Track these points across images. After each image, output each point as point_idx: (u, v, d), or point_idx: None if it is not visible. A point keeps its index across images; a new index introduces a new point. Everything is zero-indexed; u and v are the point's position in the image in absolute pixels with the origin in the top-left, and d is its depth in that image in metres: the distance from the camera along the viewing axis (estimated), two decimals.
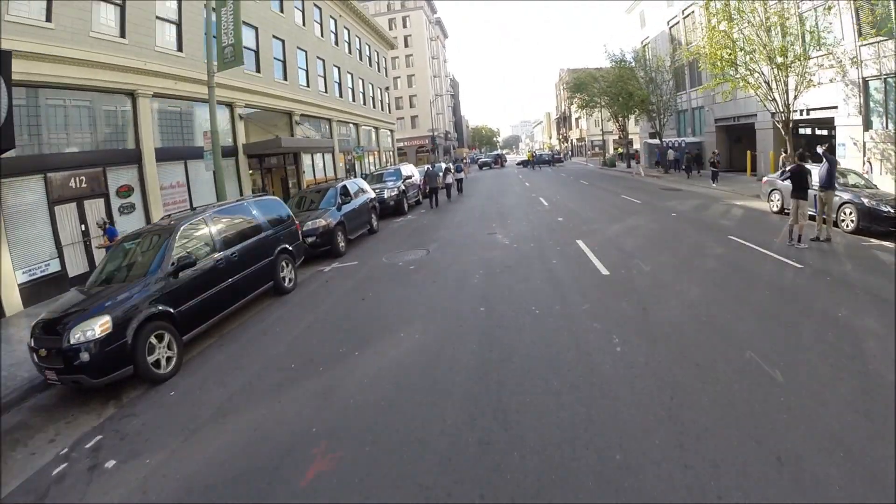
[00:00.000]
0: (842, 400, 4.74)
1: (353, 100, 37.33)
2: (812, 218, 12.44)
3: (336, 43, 34.85)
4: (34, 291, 12.32)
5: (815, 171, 12.23)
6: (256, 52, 24.59)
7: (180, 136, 19.04)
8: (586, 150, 77.53)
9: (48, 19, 12.88)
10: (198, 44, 18.86)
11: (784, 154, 21.90)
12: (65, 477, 4.96)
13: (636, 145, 60.45)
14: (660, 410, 4.81)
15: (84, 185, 13.94)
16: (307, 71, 30.11)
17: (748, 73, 20.45)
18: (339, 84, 35.08)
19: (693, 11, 34.04)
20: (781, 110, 20.28)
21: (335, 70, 34.47)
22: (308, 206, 15.81)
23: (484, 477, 4.09)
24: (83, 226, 13.75)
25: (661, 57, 34.15)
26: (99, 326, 6.50)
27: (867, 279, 8.47)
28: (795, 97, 19.84)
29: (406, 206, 23.44)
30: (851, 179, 14.03)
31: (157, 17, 17.28)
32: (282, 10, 27.15)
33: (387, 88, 45.61)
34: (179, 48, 18.57)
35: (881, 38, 17.67)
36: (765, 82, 20.21)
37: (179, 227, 8.38)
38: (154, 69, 16.56)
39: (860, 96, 19.62)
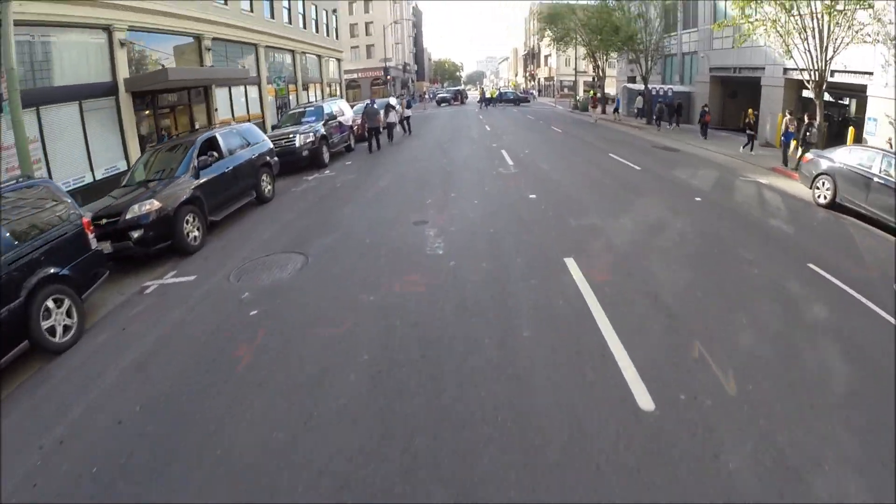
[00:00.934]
0: None
1: (290, 22, 31.17)
2: None
3: None
4: None
5: None
6: None
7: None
8: (555, 90, 72.32)
9: None
10: None
11: (789, 116, 18.09)
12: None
13: (610, 89, 55.90)
14: None
15: None
16: None
17: (783, 10, 15.98)
18: (271, 2, 28.86)
19: None
20: (814, 66, 16.09)
21: None
22: (158, 172, 10.51)
23: None
24: None
25: None
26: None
27: None
28: (836, 51, 15.61)
29: (327, 155, 18.36)
30: None
31: None
32: None
33: (334, 11, 39.10)
34: None
35: None
36: (799, 29, 15.85)
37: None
38: None
39: None
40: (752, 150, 19.95)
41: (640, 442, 4.05)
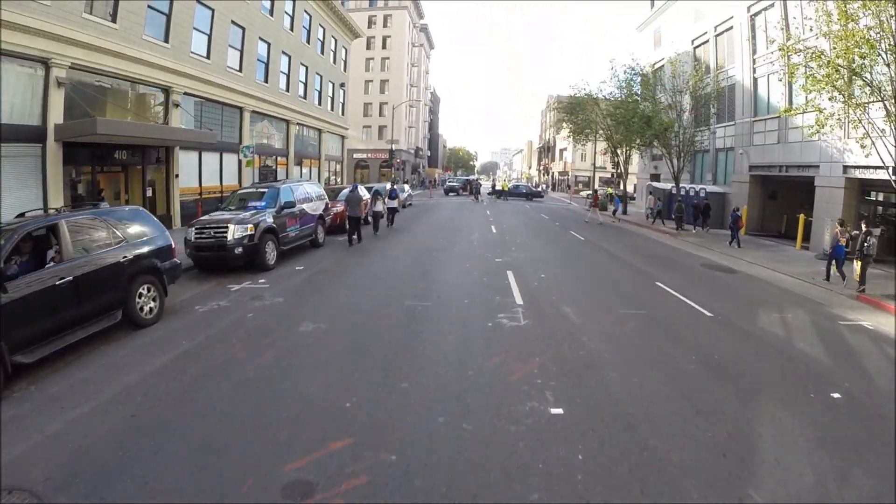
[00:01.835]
0: None
1: (287, 89, 28.74)
2: None
3: (271, 13, 26.28)
4: None
5: None
6: None
7: None
8: (569, 184, 70.21)
9: None
10: None
11: (839, 228, 14.31)
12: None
13: (627, 186, 53.14)
14: None
15: None
16: (211, 36, 21.45)
17: (870, 89, 12.53)
18: (267, 65, 26.48)
19: (731, 28, 26.61)
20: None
21: (262, 46, 25.87)
22: None
23: None
24: None
25: (696, 72, 26.35)
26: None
27: None
28: None
29: (273, 254, 13.23)
30: None
31: None
32: None
33: (342, 85, 37.17)
34: None
35: None
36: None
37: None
38: None
39: None
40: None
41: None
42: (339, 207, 19.58)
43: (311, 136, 32.90)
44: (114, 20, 16.13)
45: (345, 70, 38.49)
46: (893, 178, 13.21)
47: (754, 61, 24.73)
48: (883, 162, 13.45)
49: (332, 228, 19.22)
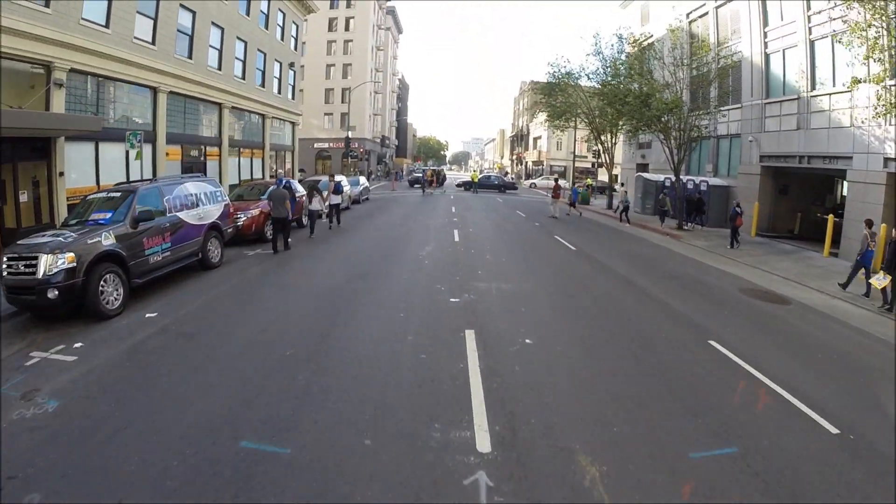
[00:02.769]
0: None
1: (220, 68, 24.20)
2: None
3: None
4: None
5: None
6: None
7: None
8: (545, 174, 66.63)
9: None
10: None
11: (867, 228, 11.13)
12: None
13: (603, 178, 49.63)
14: None
15: None
16: (110, 2, 16.99)
17: None
18: (192, 38, 21.94)
19: None
20: None
21: (185, 15, 21.35)
22: None
23: None
24: None
25: (704, 45, 22.52)
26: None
27: None
28: None
29: (115, 294, 8.61)
30: None
31: None
32: None
33: (292, 65, 32.57)
34: None
35: None
36: None
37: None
38: None
39: None
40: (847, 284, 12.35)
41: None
42: (255, 211, 15.35)
43: (253, 122, 28.35)
44: None
45: (296, 48, 33.83)
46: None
47: (765, 35, 21.22)
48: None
49: (246, 238, 15.21)
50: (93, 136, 16.44)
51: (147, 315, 8.57)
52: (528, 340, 7.65)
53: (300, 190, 24.35)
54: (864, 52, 13.16)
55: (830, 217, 17.96)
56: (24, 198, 14.56)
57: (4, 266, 7.88)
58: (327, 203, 19.92)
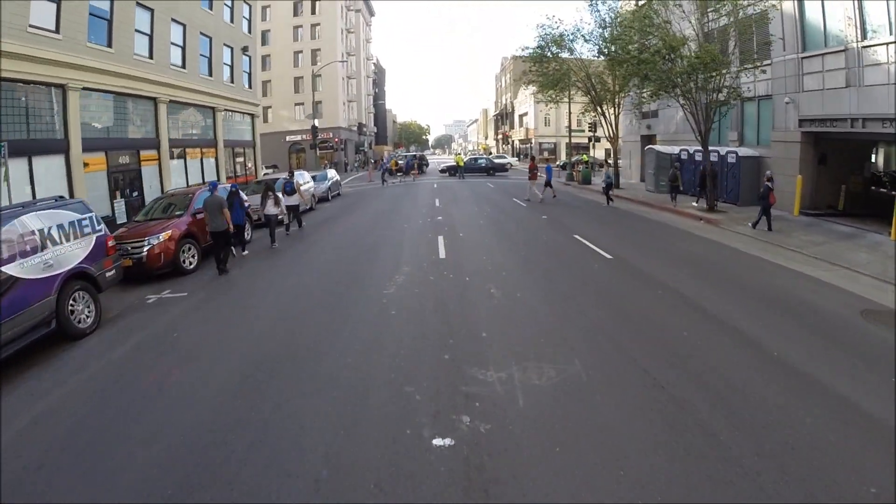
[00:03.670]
0: None
1: (151, 56, 20.34)
2: None
3: None
4: None
5: None
6: None
7: None
8: (533, 153, 62.93)
9: None
10: None
11: None
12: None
13: (598, 153, 46.12)
14: None
15: None
16: None
17: None
18: (110, 22, 18.12)
19: None
20: None
21: None
22: None
23: None
24: None
25: None
26: None
27: None
28: None
29: None
30: None
31: None
32: None
33: (245, 49, 28.56)
34: None
35: None
36: None
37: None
38: None
39: None
40: None
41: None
42: (165, 234, 11.60)
43: (200, 117, 24.47)
44: None
45: (249, 31, 29.79)
46: None
47: None
48: None
49: (154, 273, 11.46)
50: None
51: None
52: None
53: (307, 181, 21.64)
54: None
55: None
56: None
57: None
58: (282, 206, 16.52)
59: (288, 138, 57.63)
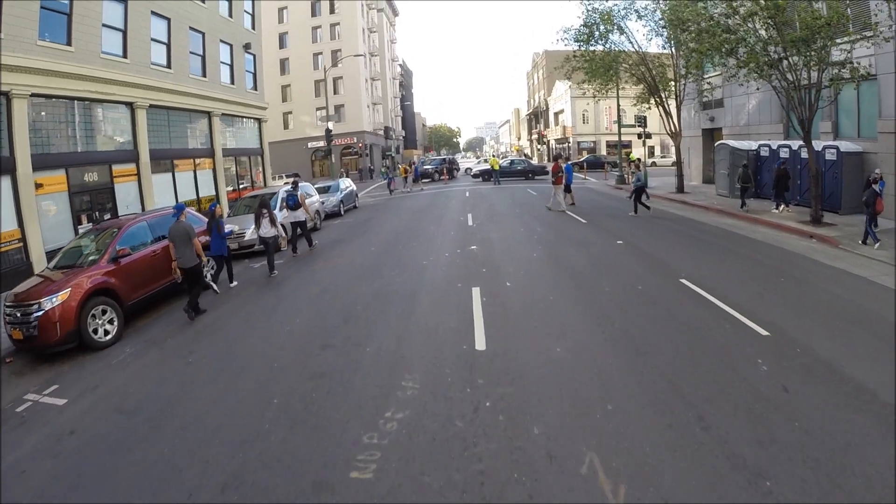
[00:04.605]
0: None
1: (126, 55, 17.38)
2: None
3: None
4: None
5: None
6: None
7: None
8: (571, 153, 58.69)
9: None
10: None
11: None
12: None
13: (637, 150, 41.53)
14: None
15: None
16: None
17: None
18: (69, 18, 15.25)
19: None
20: None
21: None
22: None
23: None
24: None
25: None
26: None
27: None
28: None
29: None
30: None
31: None
32: None
33: (247, 47, 25.45)
34: None
35: None
36: None
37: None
38: None
39: None
40: None
41: None
42: (65, 291, 8.02)
43: (192, 123, 21.39)
44: None
45: (253, 27, 26.71)
46: None
47: None
48: None
49: (50, 349, 7.95)
50: None
51: None
52: None
53: (313, 194, 20.27)
54: None
55: None
56: None
57: None
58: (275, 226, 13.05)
59: (310, 144, 54.88)
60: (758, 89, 19.47)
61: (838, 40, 13.48)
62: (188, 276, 9.45)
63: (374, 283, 10.74)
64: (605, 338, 6.95)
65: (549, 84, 68.08)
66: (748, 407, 5.00)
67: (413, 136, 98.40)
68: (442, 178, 40.47)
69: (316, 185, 23.79)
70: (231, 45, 24.11)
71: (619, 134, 29.49)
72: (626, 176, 28.42)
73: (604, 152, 57.40)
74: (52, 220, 14.68)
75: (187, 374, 6.95)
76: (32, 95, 13.96)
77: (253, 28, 26.66)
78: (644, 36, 38.70)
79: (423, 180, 40.59)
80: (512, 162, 41.32)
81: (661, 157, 49.46)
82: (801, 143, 16.33)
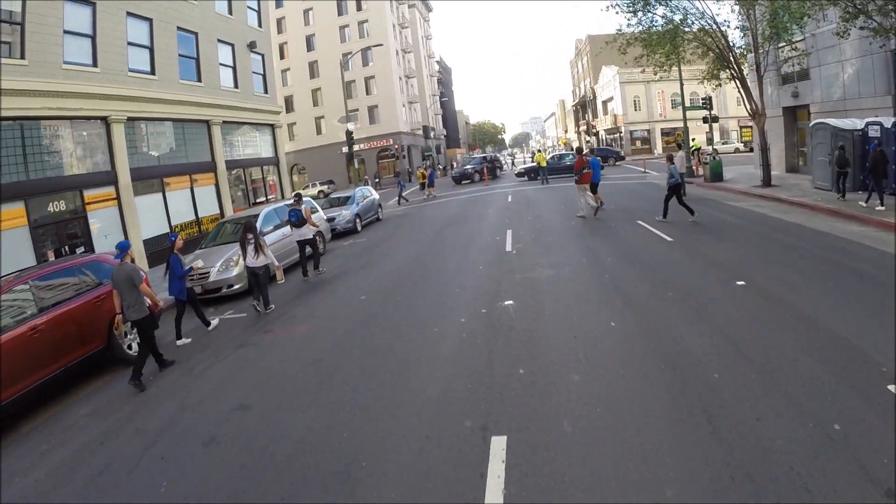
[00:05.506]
0: None
1: (95, 63, 15.12)
2: None
3: None
4: None
5: None
6: None
7: None
8: (623, 143, 54.13)
9: None
10: None
11: None
12: None
13: (697, 135, 36.95)
14: None
15: None
16: None
17: None
18: (22, 26, 13.00)
19: None
20: None
21: None
22: None
23: None
24: None
25: None
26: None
27: None
28: None
29: None
30: None
31: None
32: None
33: (252, 46, 22.94)
34: None
35: None
36: None
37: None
38: None
39: None
40: None
41: None
42: None
43: (189, 135, 18.99)
44: None
45: (259, 24, 24.24)
46: None
47: None
48: None
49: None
50: None
51: None
52: None
53: (318, 210, 17.89)
54: None
55: None
56: None
57: None
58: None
59: (344, 149, 52.61)
60: (855, 56, 15.31)
61: None
62: (139, 331, 7.44)
63: (377, 336, 7.41)
64: None
65: (595, 71, 63.49)
66: None
67: (455, 135, 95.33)
68: (483, 179, 37.10)
69: (332, 196, 20.90)
70: (232, 46, 21.68)
71: (685, 118, 25.28)
72: (692, 167, 24.19)
73: (658, 141, 52.71)
74: (9, 263, 12.38)
75: None
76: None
77: (259, 25, 24.19)
78: None
79: (464, 181, 37.89)
80: (562, 157, 36.18)
81: (723, 144, 44.37)
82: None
